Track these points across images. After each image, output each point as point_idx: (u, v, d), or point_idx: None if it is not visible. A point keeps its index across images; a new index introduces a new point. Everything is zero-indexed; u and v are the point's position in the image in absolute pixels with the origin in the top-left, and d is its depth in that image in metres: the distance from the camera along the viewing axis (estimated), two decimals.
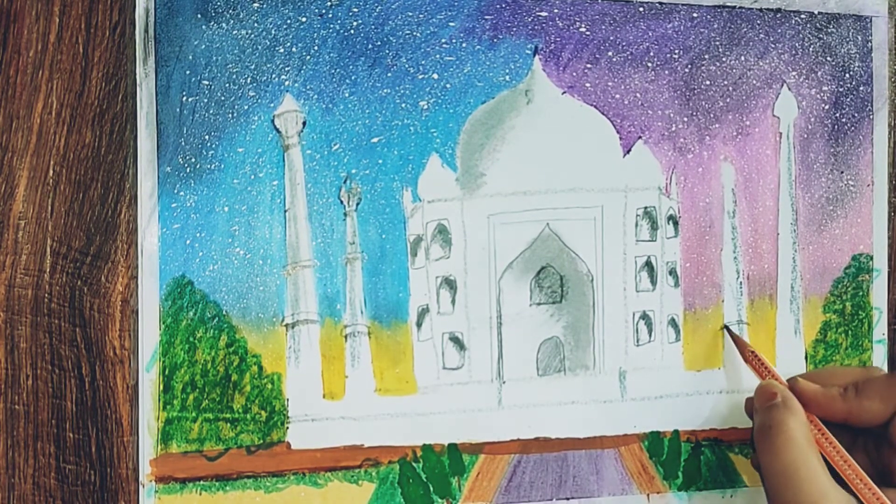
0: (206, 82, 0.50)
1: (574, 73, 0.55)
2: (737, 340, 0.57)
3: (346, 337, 0.52)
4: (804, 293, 0.58)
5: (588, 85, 0.55)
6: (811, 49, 0.58)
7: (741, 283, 0.57)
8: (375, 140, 0.52)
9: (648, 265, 0.56)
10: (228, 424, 0.50)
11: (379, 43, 0.52)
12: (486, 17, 0.53)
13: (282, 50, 0.51)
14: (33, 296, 0.49)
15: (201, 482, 0.50)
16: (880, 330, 0.60)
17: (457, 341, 0.54)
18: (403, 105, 0.53)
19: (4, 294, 0.48)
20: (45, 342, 0.49)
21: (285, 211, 0.51)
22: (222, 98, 0.50)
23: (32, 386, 0.49)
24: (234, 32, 0.50)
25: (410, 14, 0.52)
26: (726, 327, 0.57)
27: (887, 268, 0.60)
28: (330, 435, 0.52)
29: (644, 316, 0.56)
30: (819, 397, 0.52)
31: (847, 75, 0.59)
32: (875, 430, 0.52)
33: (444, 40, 0.53)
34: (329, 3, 0.51)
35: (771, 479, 0.50)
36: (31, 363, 0.49)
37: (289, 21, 0.51)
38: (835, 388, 0.52)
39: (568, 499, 0.55)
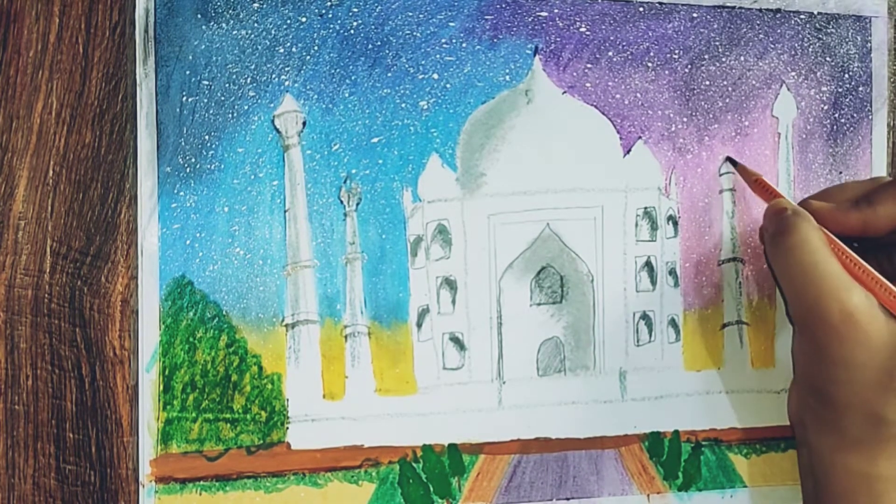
0: (206, 82, 0.50)
1: (574, 73, 0.55)
2: (742, 169, 0.56)
3: (346, 337, 0.52)
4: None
5: (588, 85, 0.55)
6: (810, 49, 0.58)
7: (741, 283, 0.57)
8: (375, 140, 0.52)
9: (648, 265, 0.56)
10: (228, 425, 0.50)
11: (379, 43, 0.52)
12: (487, 17, 0.53)
13: (282, 50, 0.51)
14: (33, 296, 0.49)
15: (201, 482, 0.50)
16: None
17: (457, 341, 0.54)
18: (403, 105, 0.53)
19: (4, 294, 0.48)
20: (45, 342, 0.49)
21: (285, 211, 0.51)
22: (222, 98, 0.50)
23: (32, 386, 0.49)
24: (234, 32, 0.50)
25: (410, 14, 0.53)
26: (729, 158, 0.56)
27: None
28: (330, 435, 0.52)
29: (644, 316, 0.56)
30: (832, 212, 0.51)
31: (846, 76, 0.59)
32: (886, 240, 0.51)
33: (444, 40, 0.53)
34: (329, 3, 0.51)
35: (789, 283, 0.50)
36: (31, 363, 0.49)
37: (289, 21, 0.51)
38: (846, 202, 0.52)
39: (568, 499, 0.55)
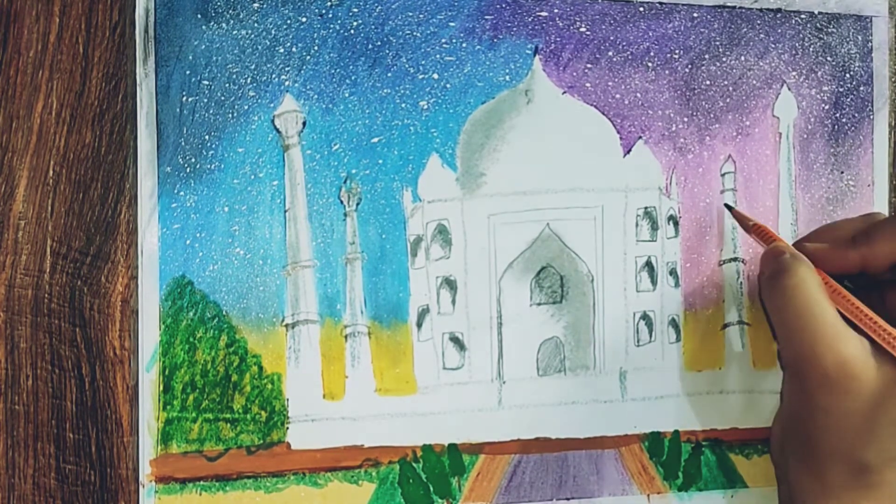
0: (206, 82, 0.50)
1: (574, 73, 0.55)
2: (737, 214, 0.56)
3: (346, 337, 0.52)
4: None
5: (588, 85, 0.55)
6: (811, 49, 0.58)
7: (741, 283, 0.57)
8: (375, 140, 0.52)
9: (649, 265, 0.56)
10: (228, 424, 0.50)
11: (379, 43, 0.52)
12: (486, 17, 0.53)
13: (282, 50, 0.51)
14: (33, 296, 0.49)
15: (201, 482, 0.50)
16: None
17: (457, 341, 0.53)
18: (403, 105, 0.52)
19: (4, 294, 0.48)
20: (45, 342, 0.49)
21: (285, 211, 0.51)
22: (222, 98, 0.50)
23: (32, 386, 0.49)
24: (234, 32, 0.50)
25: (410, 14, 0.52)
26: (726, 205, 0.56)
27: None
28: (330, 435, 0.52)
29: (644, 316, 0.56)
30: (829, 252, 0.51)
31: (847, 75, 0.59)
32: (880, 278, 0.51)
33: (444, 40, 0.53)
34: (329, 3, 0.51)
35: (783, 327, 0.50)
36: (31, 363, 0.49)
37: (289, 21, 0.51)
38: (842, 240, 0.51)
39: (568, 499, 0.55)
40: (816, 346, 0.48)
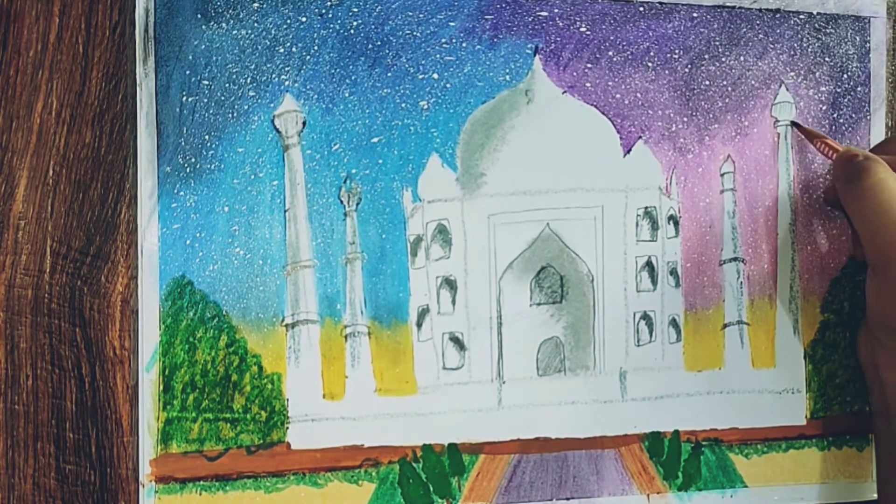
0: (206, 82, 0.50)
1: (574, 73, 0.55)
2: (805, 131, 0.58)
3: (346, 337, 0.52)
4: (803, 293, 0.58)
5: (588, 85, 0.55)
6: (810, 49, 0.59)
7: (741, 283, 0.57)
8: (375, 140, 0.52)
9: (649, 265, 0.56)
10: (228, 424, 0.50)
11: (379, 43, 0.52)
12: (487, 16, 0.53)
13: (282, 50, 0.51)
14: (33, 296, 0.49)
15: (201, 482, 0.50)
16: None
17: (457, 341, 0.54)
18: (403, 105, 0.53)
19: (4, 294, 0.48)
20: (45, 342, 0.49)
21: (285, 211, 0.51)
22: (222, 98, 0.50)
23: (32, 386, 0.49)
24: (234, 32, 0.50)
25: (410, 14, 0.53)
26: (794, 122, 0.58)
27: None
28: (330, 435, 0.52)
29: (645, 316, 0.56)
30: (895, 163, 0.54)
31: (845, 76, 0.59)
32: None
33: (444, 40, 0.53)
34: (329, 3, 0.51)
35: (865, 224, 0.52)
36: (31, 363, 0.49)
37: (289, 21, 0.51)
38: None
39: (568, 499, 0.55)
40: None
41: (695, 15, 0.56)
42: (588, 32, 0.55)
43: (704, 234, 0.57)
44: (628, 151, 0.56)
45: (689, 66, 0.56)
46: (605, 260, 0.55)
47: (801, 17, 0.58)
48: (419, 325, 0.53)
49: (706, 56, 0.57)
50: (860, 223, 0.53)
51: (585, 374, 0.55)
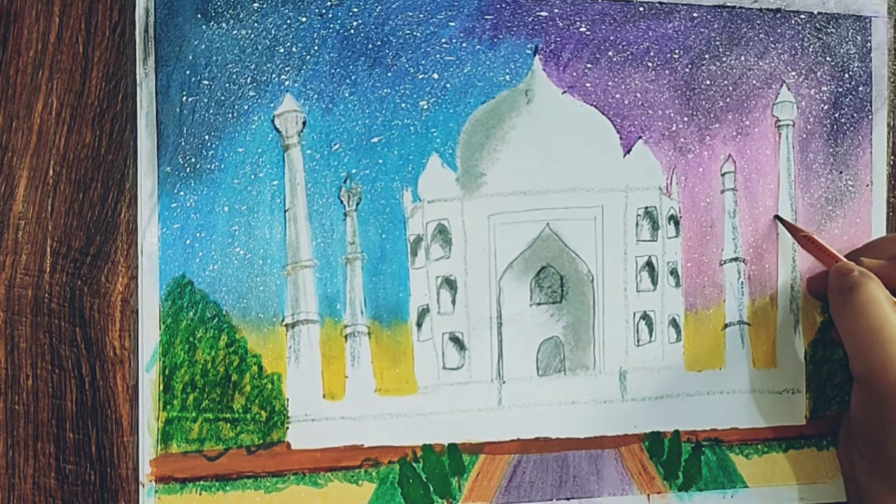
0: (206, 82, 0.50)
1: (574, 73, 0.55)
2: (789, 227, 0.57)
3: (346, 337, 0.52)
4: (803, 293, 0.58)
5: (588, 85, 0.55)
6: (811, 49, 0.58)
7: (742, 283, 0.57)
8: (375, 140, 0.52)
9: (649, 265, 0.56)
10: (228, 424, 0.50)
11: (379, 43, 0.52)
12: (487, 16, 0.53)
13: (282, 50, 0.51)
14: (33, 296, 0.49)
15: (201, 482, 0.50)
16: None
17: (457, 341, 0.54)
18: (403, 105, 0.53)
19: (4, 294, 0.48)
20: (45, 342, 0.49)
21: (285, 211, 0.51)
22: (222, 98, 0.50)
23: (32, 386, 0.49)
24: (234, 32, 0.50)
25: (410, 14, 0.52)
26: (777, 216, 0.58)
27: None
28: (330, 435, 0.52)
29: (645, 316, 0.56)
30: (886, 269, 0.54)
31: (846, 75, 0.59)
32: None
33: (444, 40, 0.53)
34: (329, 3, 0.51)
35: (854, 341, 0.52)
36: (31, 363, 0.49)
37: (289, 21, 0.51)
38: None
39: (568, 499, 0.55)
40: (888, 360, 0.50)
41: (695, 15, 0.56)
42: (588, 32, 0.55)
43: (705, 233, 0.57)
44: (628, 151, 0.56)
45: (690, 65, 0.56)
46: (605, 260, 0.55)
47: (802, 16, 0.58)
48: (419, 324, 0.53)
49: (707, 56, 0.57)
50: (849, 337, 0.53)
51: (585, 374, 0.55)
